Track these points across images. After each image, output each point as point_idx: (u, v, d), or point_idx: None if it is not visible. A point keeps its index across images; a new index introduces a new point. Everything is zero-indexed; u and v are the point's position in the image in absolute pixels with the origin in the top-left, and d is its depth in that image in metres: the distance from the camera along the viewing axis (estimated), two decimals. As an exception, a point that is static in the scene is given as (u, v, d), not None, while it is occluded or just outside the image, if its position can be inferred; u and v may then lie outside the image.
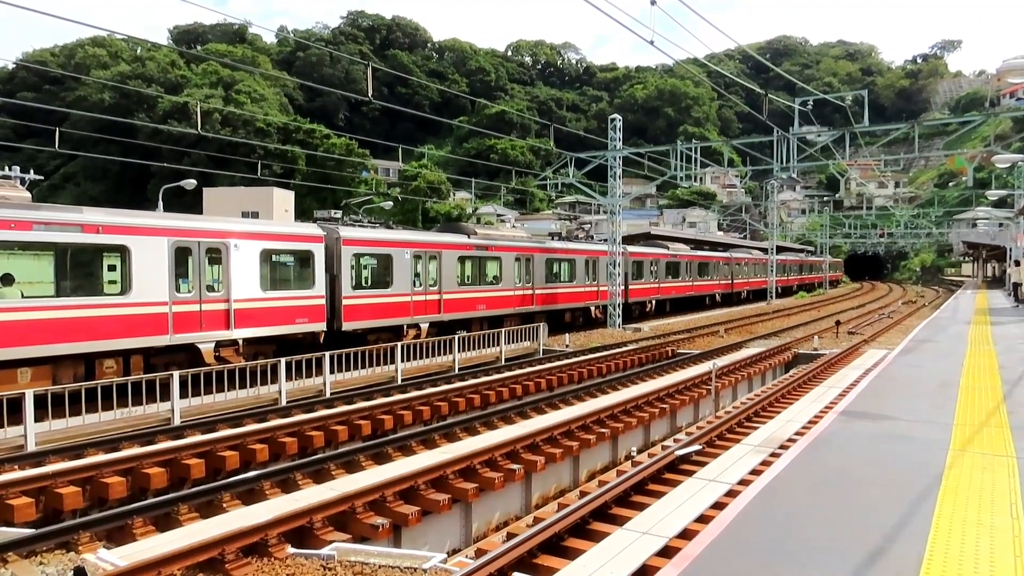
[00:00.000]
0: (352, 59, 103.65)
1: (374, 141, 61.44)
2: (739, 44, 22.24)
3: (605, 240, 32.66)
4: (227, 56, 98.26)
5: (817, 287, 72.19)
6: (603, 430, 12.42)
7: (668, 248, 39.42)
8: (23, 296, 13.11)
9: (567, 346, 24.14)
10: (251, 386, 14.35)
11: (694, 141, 32.92)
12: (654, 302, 36.69)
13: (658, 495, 8.62)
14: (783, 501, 6.23)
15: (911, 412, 9.74)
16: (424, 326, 21.52)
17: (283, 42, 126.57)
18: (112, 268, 14.34)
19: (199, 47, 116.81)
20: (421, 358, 18.54)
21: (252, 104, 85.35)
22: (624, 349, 22.58)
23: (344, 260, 18.90)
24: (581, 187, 34.50)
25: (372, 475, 9.03)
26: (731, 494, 8.07)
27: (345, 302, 18.80)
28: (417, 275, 21.27)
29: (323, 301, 18.18)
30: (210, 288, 15.71)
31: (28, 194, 14.06)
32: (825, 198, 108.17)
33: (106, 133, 64.64)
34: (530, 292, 26.39)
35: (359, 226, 20.81)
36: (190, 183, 30.89)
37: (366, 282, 20.13)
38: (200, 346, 15.37)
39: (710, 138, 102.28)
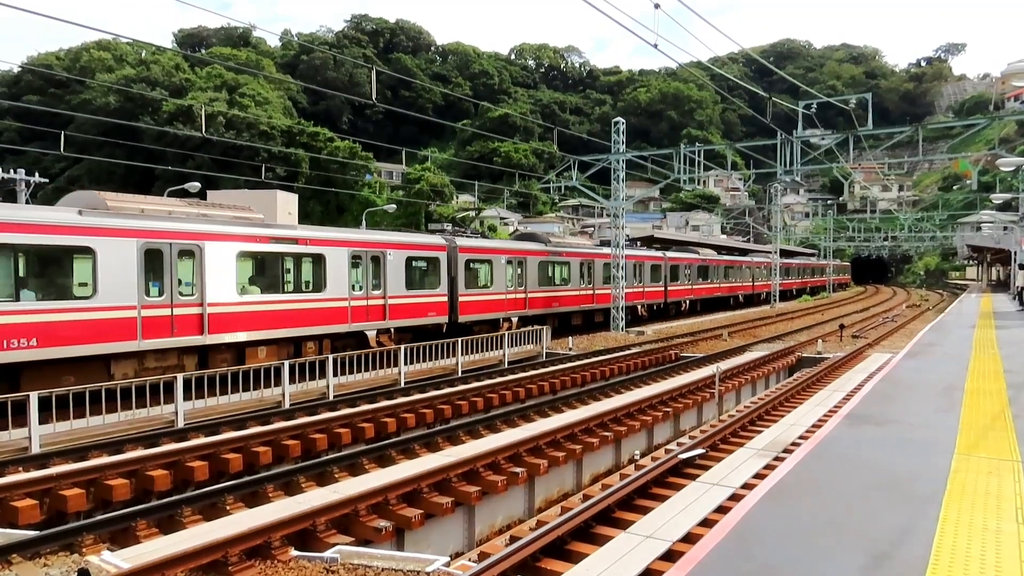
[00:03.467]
0: (356, 62, 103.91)
1: (377, 144, 61.51)
2: (742, 47, 22.21)
3: (646, 247, 38.08)
4: (231, 59, 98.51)
5: (821, 291, 72.14)
6: (606, 433, 12.41)
7: (699, 253, 43.43)
8: (261, 292, 16.84)
9: (570, 349, 24.12)
10: (254, 389, 14.36)
11: (697, 144, 32.86)
12: (688, 302, 40.90)
13: (661, 499, 8.61)
14: (787, 505, 6.22)
15: (916, 416, 9.71)
16: (514, 320, 25.60)
17: (287, 45, 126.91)
18: (314, 271, 18.20)
19: (203, 50, 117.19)
20: (424, 361, 18.55)
21: (256, 107, 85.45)
22: (627, 352, 22.56)
23: (460, 265, 22.88)
24: (584, 190, 34.47)
25: (375, 478, 9.04)
26: (735, 498, 8.05)
27: (461, 299, 22.89)
28: (509, 277, 25.25)
29: (446, 299, 22.15)
30: (374, 287, 19.49)
31: (261, 215, 17.77)
32: (829, 201, 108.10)
33: (111, 136, 64.79)
34: (591, 292, 30.38)
35: (468, 236, 25.01)
36: (194, 186, 30.94)
37: (474, 283, 23.93)
38: (367, 333, 19.29)
39: (713, 141, 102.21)
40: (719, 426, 12.42)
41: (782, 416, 13.23)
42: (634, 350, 23.37)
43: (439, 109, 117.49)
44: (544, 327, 24.05)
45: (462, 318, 22.85)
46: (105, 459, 9.82)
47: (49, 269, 13.43)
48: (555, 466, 10.85)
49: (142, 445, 10.98)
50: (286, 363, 14.82)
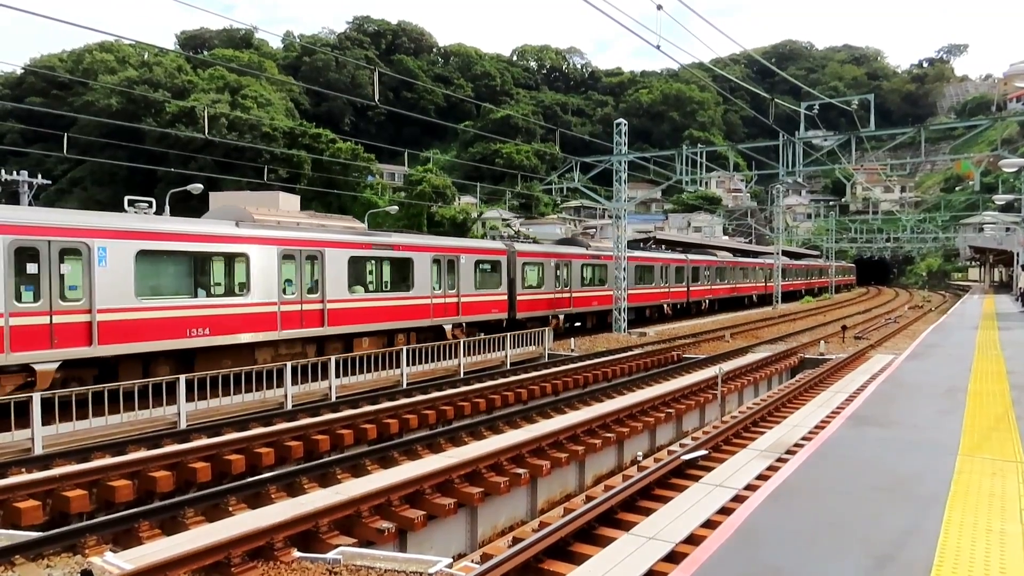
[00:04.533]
0: (358, 64, 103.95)
1: (380, 145, 61.49)
2: (744, 48, 22.17)
3: (671, 249, 41.19)
4: (234, 61, 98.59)
5: (823, 292, 72.15)
6: (609, 435, 12.40)
7: (716, 255, 46.58)
8: (365, 292, 19.45)
9: (572, 351, 24.11)
10: (256, 390, 14.35)
11: (699, 145, 32.90)
12: (707, 301, 43.77)
13: (664, 500, 8.59)
14: (791, 506, 6.20)
15: (919, 417, 9.69)
16: (560, 317, 28.44)
17: (289, 47, 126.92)
18: (404, 273, 20.91)
19: (206, 52, 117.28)
20: (427, 362, 18.55)
21: (258, 109, 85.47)
22: (630, 354, 22.55)
23: (518, 268, 25.88)
24: (586, 191, 34.49)
25: (378, 479, 9.03)
26: (738, 499, 8.04)
27: (519, 298, 25.86)
28: (557, 278, 28.20)
29: (506, 297, 25.12)
30: (449, 287, 22.21)
31: (364, 224, 21.21)
32: (831, 202, 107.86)
33: (113, 138, 64.75)
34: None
35: (524, 242, 28.37)
36: (197, 187, 31.00)
37: (529, 284, 26.79)
38: (445, 327, 22.08)
39: (715, 142, 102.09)
40: (722, 427, 12.40)
41: (785, 417, 13.21)
42: (636, 351, 23.36)
43: (441, 110, 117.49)
44: (547, 328, 24.10)
45: (520, 315, 25.83)
46: (108, 460, 9.82)
47: (216, 271, 16.14)
48: (558, 467, 10.85)
49: (144, 446, 10.99)
50: (288, 364, 14.82)
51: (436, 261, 21.71)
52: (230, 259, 16.18)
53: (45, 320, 12.62)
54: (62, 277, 12.97)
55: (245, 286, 16.25)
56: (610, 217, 40.99)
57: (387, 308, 19.93)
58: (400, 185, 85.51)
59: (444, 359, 19.20)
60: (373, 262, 20.04)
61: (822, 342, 25.33)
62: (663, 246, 43.00)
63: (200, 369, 14.36)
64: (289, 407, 14.34)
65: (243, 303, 16.06)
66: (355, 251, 19.00)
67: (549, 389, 17.30)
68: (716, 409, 16.40)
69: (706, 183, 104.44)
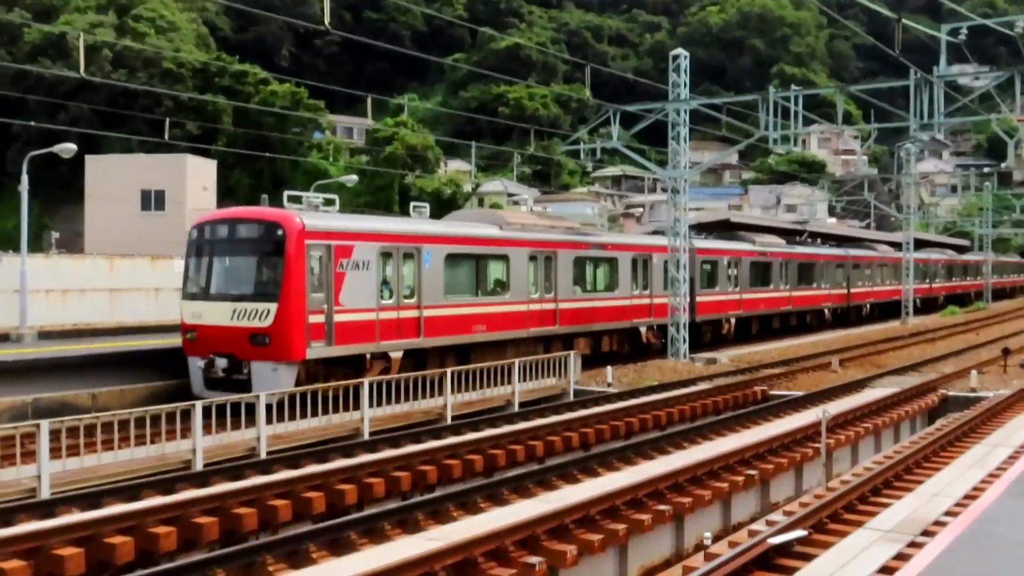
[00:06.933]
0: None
1: (332, 88, 61.52)
2: (860, -53, 22.21)
3: (827, 243, 49.29)
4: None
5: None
6: (662, 507, 12.36)
7: (876, 250, 54.46)
8: (582, 292, 27.36)
9: (609, 385, 24.11)
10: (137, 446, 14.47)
11: (793, 87, 32.82)
12: (869, 305, 51.02)
13: (743, 603, 8.55)
14: (928, 614, 6.16)
15: (1116, 483, 9.62)
16: (732, 321, 35.94)
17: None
18: (612, 273, 28.89)
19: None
20: (396, 403, 18.51)
21: (157, 36, 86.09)
22: (692, 390, 22.60)
23: (697, 267, 32.63)
24: (629, 154, 34.63)
25: (327, 572, 9.00)
26: (851, 603, 7.98)
27: (698, 299, 32.61)
28: (728, 277, 35.29)
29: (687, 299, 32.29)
30: (643, 288, 29.97)
31: (576, 223, 30.66)
32: (986, 169, 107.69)
33: (-52, 78, 65.27)
34: (787, 295, 40.04)
35: (703, 239, 35.17)
36: (68, 149, 30.98)
37: (706, 284, 33.78)
38: (640, 328, 30.15)
39: (817, 83, 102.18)
40: (827, 497, 12.34)
41: (920, 483, 13.15)
42: (701, 386, 23.38)
43: (421, 38, 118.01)
44: (574, 352, 24.10)
45: (699, 318, 32.76)
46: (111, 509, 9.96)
47: (490, 272, 23.53)
48: (588, 554, 10.79)
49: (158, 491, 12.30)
50: (198, 404, 14.86)
51: (634, 261, 29.25)
52: (497, 260, 23.71)
53: (395, 315, 20.02)
54: (403, 278, 20.34)
55: (506, 286, 23.90)
56: (663, 191, 41.12)
57: (597, 309, 27.75)
58: (361, 145, 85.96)
59: (424, 397, 19.17)
60: (589, 263, 27.62)
61: (974, 373, 25.21)
62: (816, 239, 49.32)
63: (474, 362, 20.88)
64: (199, 467, 14.42)
65: (505, 302, 23.67)
66: (578, 251, 26.75)
67: (575, 441, 17.31)
68: (819, 470, 16.33)
69: (804, 142, 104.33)
